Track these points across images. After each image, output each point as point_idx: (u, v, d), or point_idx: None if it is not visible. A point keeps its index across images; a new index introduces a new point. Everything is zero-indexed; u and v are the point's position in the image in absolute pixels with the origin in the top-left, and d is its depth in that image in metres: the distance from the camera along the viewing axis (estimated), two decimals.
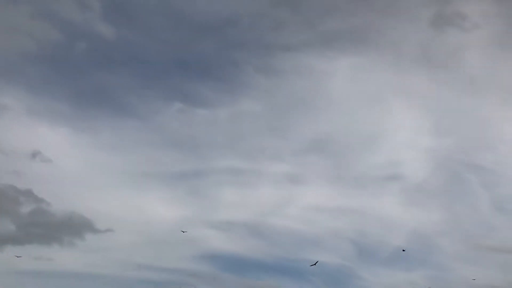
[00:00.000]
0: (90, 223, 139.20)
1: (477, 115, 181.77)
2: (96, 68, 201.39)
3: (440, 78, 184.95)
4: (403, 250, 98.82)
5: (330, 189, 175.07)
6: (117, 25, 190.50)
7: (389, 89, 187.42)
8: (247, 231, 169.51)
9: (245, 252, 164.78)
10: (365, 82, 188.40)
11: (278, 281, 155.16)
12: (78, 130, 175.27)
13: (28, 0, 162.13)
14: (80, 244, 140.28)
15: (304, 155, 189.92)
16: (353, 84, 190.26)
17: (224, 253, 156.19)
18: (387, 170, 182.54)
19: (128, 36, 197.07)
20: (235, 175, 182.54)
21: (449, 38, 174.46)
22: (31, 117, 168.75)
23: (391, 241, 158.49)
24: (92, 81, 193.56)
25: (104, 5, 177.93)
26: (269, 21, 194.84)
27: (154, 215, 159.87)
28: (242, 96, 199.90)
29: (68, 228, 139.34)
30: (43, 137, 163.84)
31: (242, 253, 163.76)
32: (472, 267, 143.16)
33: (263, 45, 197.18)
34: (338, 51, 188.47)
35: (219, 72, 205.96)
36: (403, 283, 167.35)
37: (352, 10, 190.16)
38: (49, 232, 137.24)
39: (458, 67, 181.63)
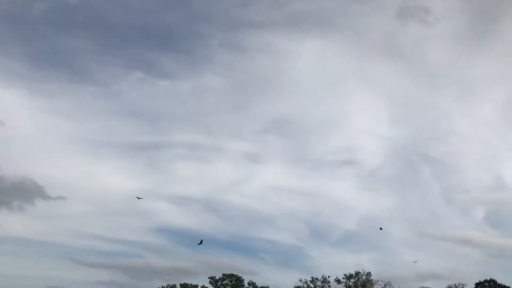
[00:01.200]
0: (42, 189, 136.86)
1: (434, 107, 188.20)
2: (55, 30, 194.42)
3: (401, 68, 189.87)
4: (381, 228, 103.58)
5: (288, 170, 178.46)
6: None
7: (351, 75, 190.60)
8: (203, 207, 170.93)
9: (200, 227, 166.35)
10: (329, 66, 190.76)
11: (231, 257, 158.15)
12: (33, 92, 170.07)
13: None
14: (30, 210, 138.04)
15: (264, 134, 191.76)
16: (317, 67, 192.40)
17: (179, 227, 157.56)
18: (344, 155, 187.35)
19: None
20: (194, 150, 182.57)
21: (412, 30, 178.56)
22: None
23: (342, 224, 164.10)
24: (50, 43, 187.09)
25: None
26: None
27: (109, 185, 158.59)
28: (205, 70, 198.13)
29: (18, 193, 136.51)
30: None
31: (197, 228, 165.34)
32: (416, 253, 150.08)
33: (230, 20, 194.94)
34: (304, 33, 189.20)
35: (183, 44, 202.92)
36: (350, 265, 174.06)
37: None
38: None
39: (418, 59, 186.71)
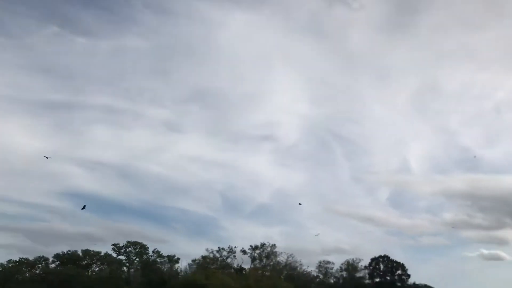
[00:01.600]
0: None
1: (352, 90, 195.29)
2: None
3: (324, 50, 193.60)
4: (300, 204, 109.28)
5: (206, 141, 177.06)
6: None
7: (275, 51, 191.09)
8: (116, 173, 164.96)
9: (111, 193, 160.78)
10: (255, 40, 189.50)
11: (141, 225, 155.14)
12: None
13: None
14: None
15: (185, 103, 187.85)
16: (243, 39, 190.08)
17: (88, 192, 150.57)
18: (263, 130, 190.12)
19: None
20: (110, 114, 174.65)
21: (337, 13, 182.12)
22: None
23: (256, 196, 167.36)
24: None
25: None
26: None
27: (14, 144, 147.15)
28: (127, 30, 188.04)
29: None
30: None
31: (107, 195, 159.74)
32: (323, 227, 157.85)
33: None
34: (233, 3, 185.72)
35: (105, 0, 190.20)
36: (260, 237, 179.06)
37: None
38: None
39: (341, 42, 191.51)
